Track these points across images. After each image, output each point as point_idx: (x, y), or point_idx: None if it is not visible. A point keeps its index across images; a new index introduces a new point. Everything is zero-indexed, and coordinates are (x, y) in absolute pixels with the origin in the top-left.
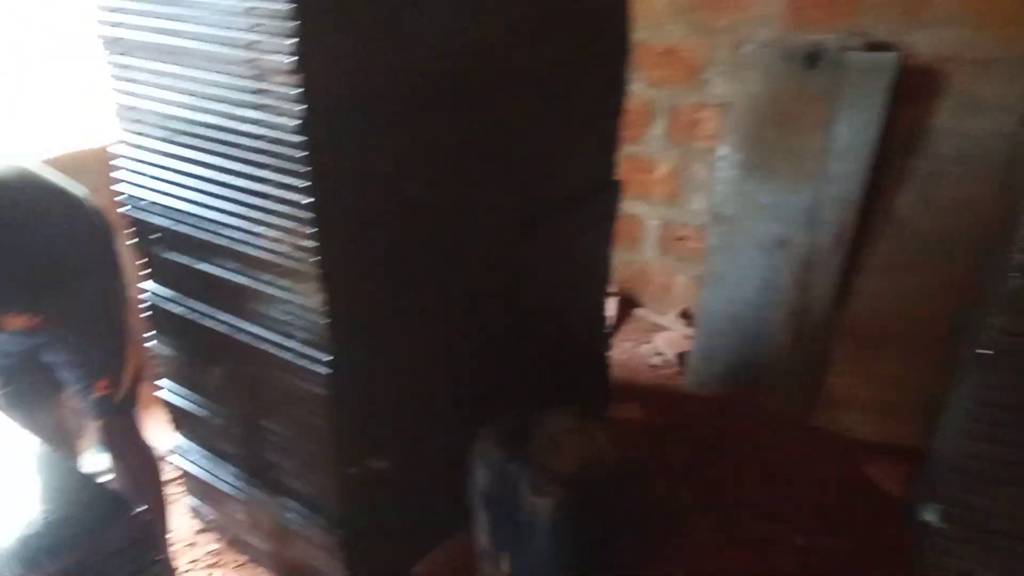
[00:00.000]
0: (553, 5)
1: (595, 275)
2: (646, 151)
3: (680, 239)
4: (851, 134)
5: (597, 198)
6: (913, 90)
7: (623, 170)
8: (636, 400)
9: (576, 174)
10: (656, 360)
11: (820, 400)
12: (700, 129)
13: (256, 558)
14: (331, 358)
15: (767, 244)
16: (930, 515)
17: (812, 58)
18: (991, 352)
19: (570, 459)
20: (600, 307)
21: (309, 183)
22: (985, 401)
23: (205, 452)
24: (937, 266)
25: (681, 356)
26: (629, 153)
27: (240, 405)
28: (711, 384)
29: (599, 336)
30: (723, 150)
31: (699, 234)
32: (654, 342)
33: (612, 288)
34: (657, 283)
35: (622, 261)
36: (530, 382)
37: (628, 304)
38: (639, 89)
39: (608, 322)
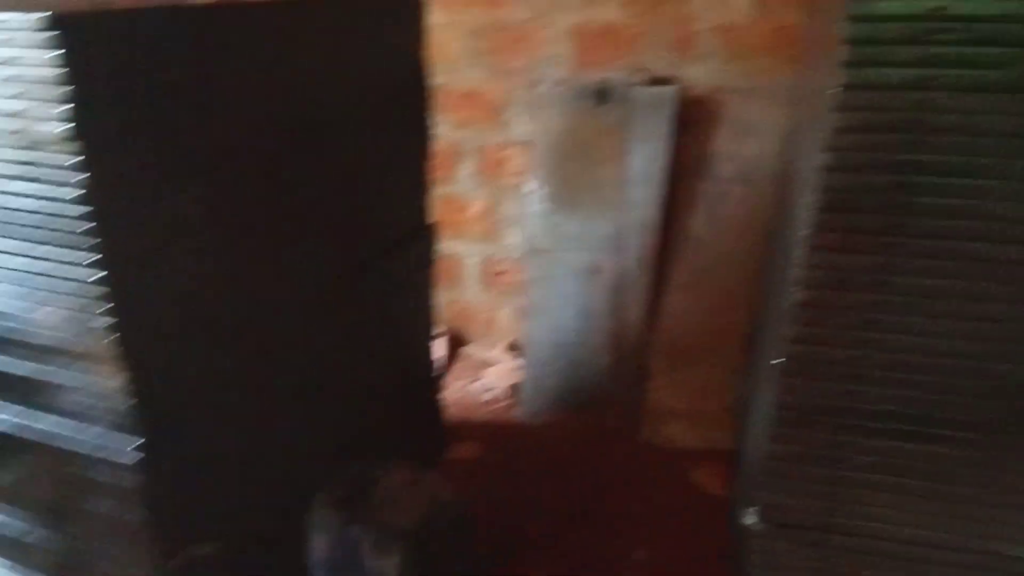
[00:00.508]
0: (349, 58)
1: (420, 319)
2: (458, 191)
3: (500, 274)
4: (644, 163)
5: (414, 242)
6: (694, 119)
7: (438, 211)
8: (472, 438)
9: (391, 221)
10: (488, 395)
11: (644, 414)
12: (508, 166)
13: None
14: (139, 443)
15: (581, 272)
16: (743, 515)
17: (601, 95)
18: (783, 361)
19: (410, 513)
20: (428, 350)
21: (97, 256)
22: (782, 405)
23: (8, 564)
24: (729, 280)
25: (512, 388)
26: (442, 194)
27: (42, 509)
28: (543, 412)
29: (429, 379)
30: (530, 185)
31: (517, 267)
32: (485, 378)
33: (438, 329)
34: (482, 319)
35: (446, 300)
36: (364, 435)
37: (456, 343)
38: (446, 131)
39: (438, 364)
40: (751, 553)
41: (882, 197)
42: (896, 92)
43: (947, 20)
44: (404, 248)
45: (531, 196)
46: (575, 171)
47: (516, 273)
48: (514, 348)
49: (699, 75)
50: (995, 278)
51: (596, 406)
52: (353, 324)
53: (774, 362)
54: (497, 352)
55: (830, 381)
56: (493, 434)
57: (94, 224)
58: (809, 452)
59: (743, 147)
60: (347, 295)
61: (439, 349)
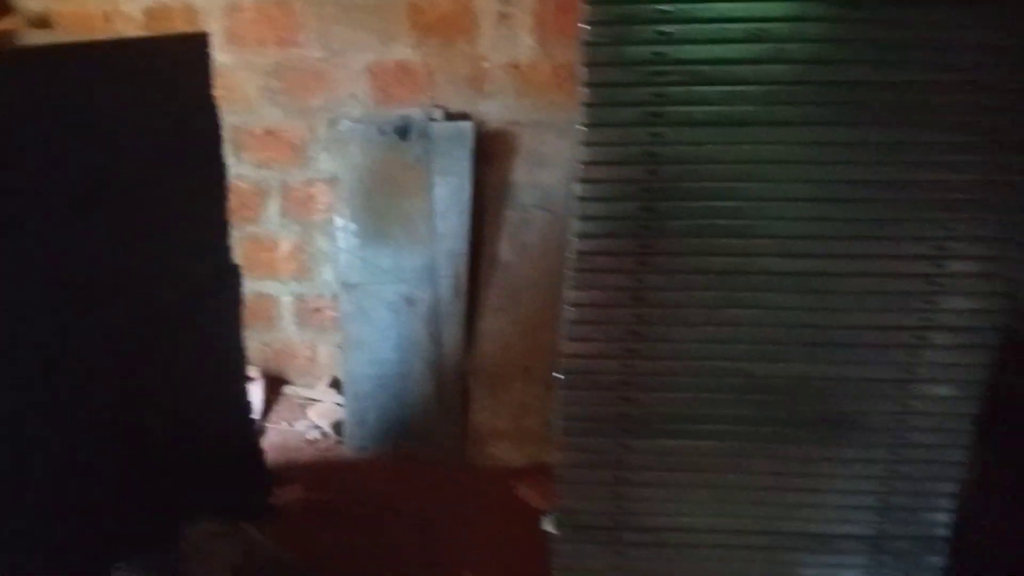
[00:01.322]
0: (136, 104)
1: (231, 362)
2: (266, 231)
3: (316, 311)
4: (449, 194)
5: (219, 285)
6: (493, 151)
7: (247, 252)
8: (297, 480)
9: (192, 265)
10: (313, 435)
11: (468, 438)
12: (315, 203)
13: None
14: None
15: (396, 304)
16: (548, 524)
17: (402, 131)
18: (564, 376)
19: (225, 567)
20: (243, 394)
21: None
22: (567, 416)
23: None
24: (539, 301)
25: (336, 426)
26: (249, 234)
27: None
28: (369, 447)
29: (247, 423)
30: (339, 221)
31: (333, 303)
32: (308, 417)
33: (256, 371)
34: (301, 357)
35: (262, 342)
36: (180, 485)
37: (276, 384)
38: (247, 171)
39: (256, 407)
40: (553, 557)
41: (632, 222)
42: (630, 128)
43: (669, 63)
44: (208, 291)
45: (340, 232)
46: (382, 205)
47: (332, 309)
48: (336, 385)
49: (493, 110)
50: (737, 287)
51: (420, 435)
52: (159, 370)
53: (557, 376)
54: (319, 390)
55: (604, 391)
56: (318, 474)
57: None
58: (593, 458)
59: (540, 176)
60: (151, 341)
61: (258, 392)
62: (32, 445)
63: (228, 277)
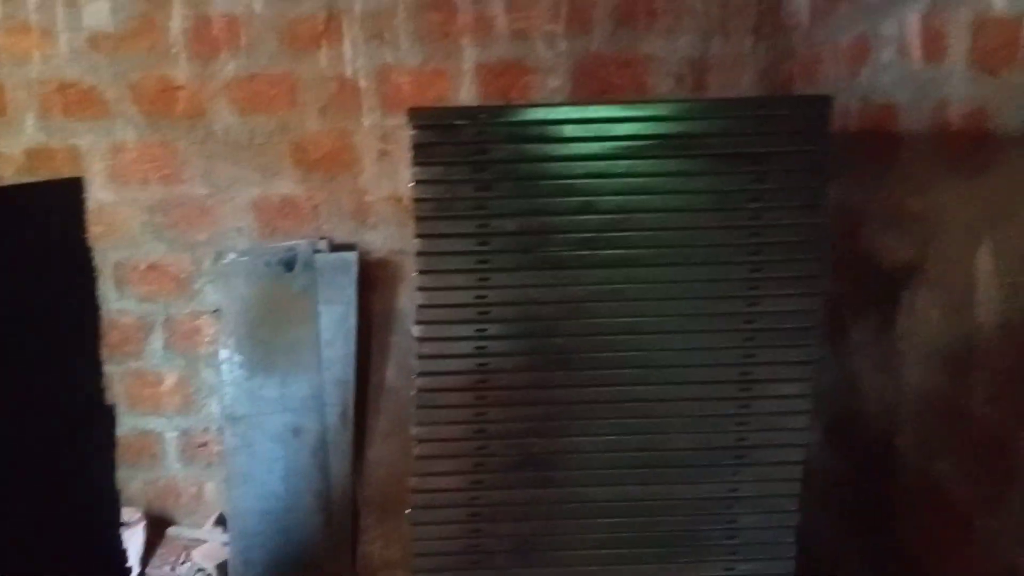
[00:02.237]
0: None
1: (102, 509)
2: (149, 365)
3: (202, 446)
4: (335, 323)
5: (88, 427)
6: (378, 279)
7: (130, 388)
8: None
9: (62, 406)
10: None
11: (359, 570)
12: (201, 336)
13: None
14: None
15: (282, 435)
16: None
17: (287, 263)
18: (414, 511)
19: None
20: (116, 541)
21: None
22: (420, 551)
23: None
24: None
25: (222, 567)
26: (132, 370)
27: None
28: None
29: (122, 571)
30: (224, 353)
31: (220, 438)
32: (192, 559)
33: (138, 513)
34: (187, 495)
35: (145, 481)
36: None
37: (160, 525)
38: (131, 306)
39: (136, 552)
40: None
41: (469, 360)
42: (460, 274)
43: (493, 216)
44: (78, 432)
45: (225, 364)
46: (268, 336)
47: (218, 443)
48: (223, 523)
49: (377, 240)
50: (572, 416)
51: (310, 568)
52: (21, 518)
53: (408, 512)
54: (206, 529)
55: (453, 524)
56: None
57: None
58: None
59: None
60: (13, 486)
61: (139, 535)
62: None
63: (99, 417)
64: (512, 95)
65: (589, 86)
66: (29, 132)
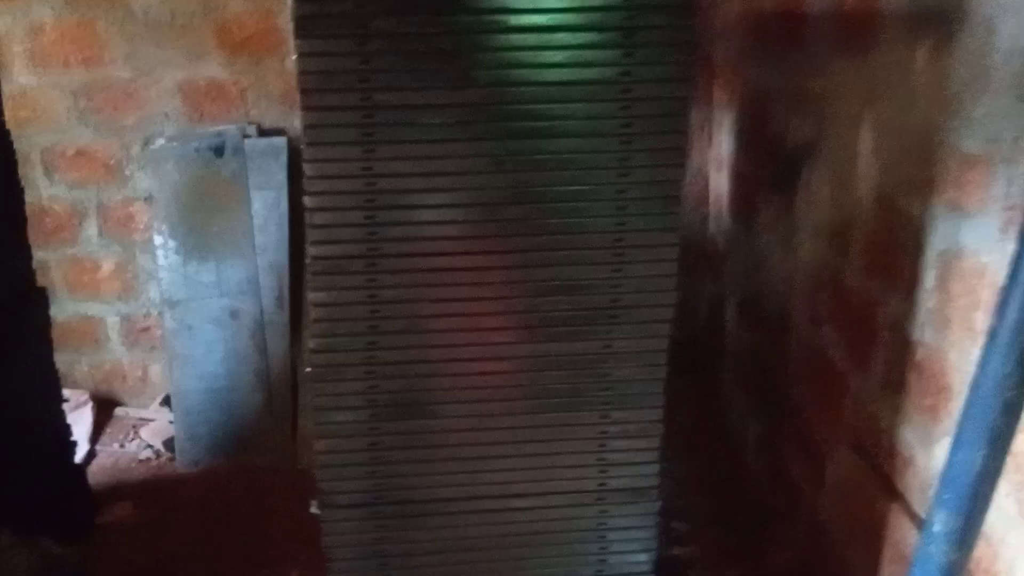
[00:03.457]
0: None
1: (41, 384)
2: (86, 251)
3: (145, 330)
4: (267, 208)
5: (21, 309)
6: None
7: (67, 274)
8: (127, 498)
9: None
10: (146, 454)
11: (299, 443)
12: (135, 222)
13: None
14: None
15: (220, 318)
16: (314, 507)
17: (217, 148)
18: (313, 369)
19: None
20: (58, 417)
21: None
22: (321, 406)
23: None
24: None
25: (168, 443)
26: (68, 256)
27: None
28: (201, 461)
29: (64, 445)
30: (158, 239)
31: (160, 321)
32: (140, 437)
33: (85, 395)
34: (132, 377)
35: (91, 364)
36: None
37: (108, 405)
38: (62, 192)
39: (85, 430)
40: (322, 536)
41: (359, 230)
42: (346, 147)
43: (377, 90)
44: (11, 314)
45: (160, 250)
46: (201, 222)
47: (160, 328)
48: (168, 403)
49: None
50: (459, 282)
51: (252, 444)
52: None
53: (306, 371)
54: (153, 409)
55: (351, 381)
56: (149, 491)
57: None
58: (347, 443)
59: None
60: None
61: (87, 415)
62: None
63: (32, 299)
64: None
65: None
66: None
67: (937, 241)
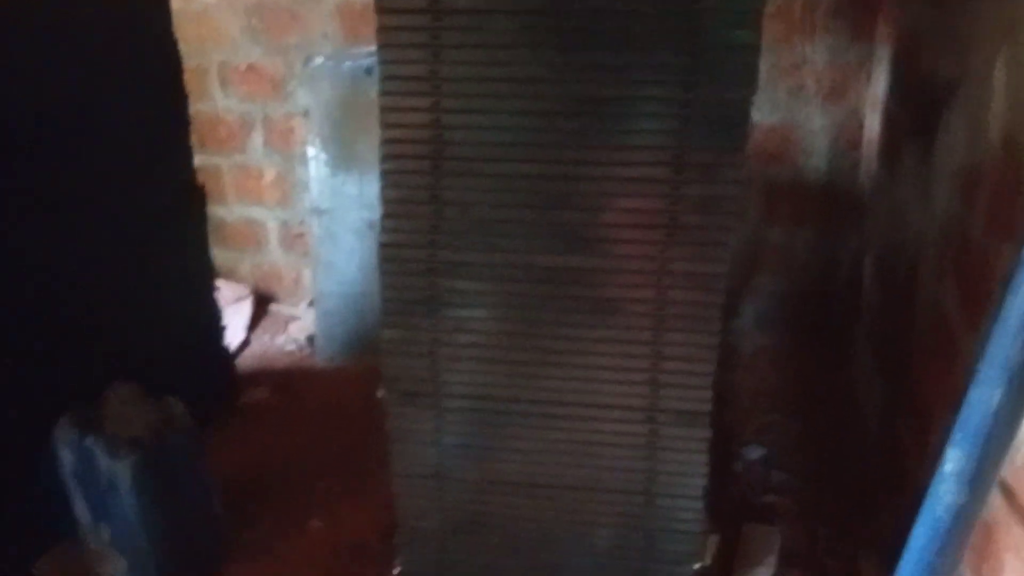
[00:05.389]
0: (91, 42)
1: (198, 274)
2: (251, 160)
3: (299, 236)
4: None
5: (183, 205)
6: None
7: (236, 180)
8: (266, 384)
9: (156, 187)
10: (291, 347)
11: None
12: (294, 136)
13: None
14: None
15: (360, 229)
16: (380, 392)
17: (368, 68)
18: (381, 263)
19: (139, 426)
20: (210, 303)
21: None
22: (387, 297)
23: None
24: None
25: (310, 339)
26: (237, 163)
27: None
28: (337, 358)
29: (214, 329)
30: (311, 152)
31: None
32: (288, 332)
33: (247, 290)
34: (287, 279)
35: (252, 263)
36: (144, 376)
37: (264, 301)
38: (233, 104)
39: (244, 322)
40: (386, 420)
41: (427, 131)
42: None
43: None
44: (174, 208)
45: (312, 161)
46: (350, 137)
47: (310, 235)
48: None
49: None
50: (517, 190)
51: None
52: (128, 274)
53: (377, 263)
54: (301, 308)
55: (414, 276)
56: (286, 380)
57: None
58: (409, 334)
59: None
60: (121, 251)
61: (246, 308)
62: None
63: (192, 197)
64: None
65: None
66: None
67: None
